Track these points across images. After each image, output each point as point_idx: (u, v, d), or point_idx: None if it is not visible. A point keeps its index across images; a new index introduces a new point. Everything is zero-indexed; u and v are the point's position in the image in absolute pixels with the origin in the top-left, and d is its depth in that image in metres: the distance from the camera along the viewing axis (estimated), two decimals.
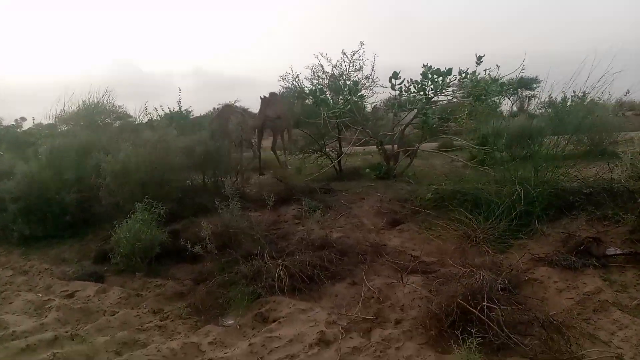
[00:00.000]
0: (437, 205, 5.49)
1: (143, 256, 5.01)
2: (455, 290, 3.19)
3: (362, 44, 8.39)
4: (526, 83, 23.81)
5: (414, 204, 5.68)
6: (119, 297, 4.44)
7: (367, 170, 8.66)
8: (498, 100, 7.68)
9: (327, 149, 8.73)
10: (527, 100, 26.47)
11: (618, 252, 3.80)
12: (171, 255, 5.37)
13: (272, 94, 9.22)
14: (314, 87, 7.90)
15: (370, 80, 8.58)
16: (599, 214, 4.38)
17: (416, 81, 7.64)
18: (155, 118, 10.62)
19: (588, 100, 7.56)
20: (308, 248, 4.86)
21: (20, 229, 6.58)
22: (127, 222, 5.18)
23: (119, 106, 16.19)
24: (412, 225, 5.31)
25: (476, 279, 3.26)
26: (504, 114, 13.48)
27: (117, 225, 5.33)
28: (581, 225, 4.25)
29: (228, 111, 8.57)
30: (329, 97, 7.47)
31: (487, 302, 3.03)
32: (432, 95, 7.73)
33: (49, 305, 4.25)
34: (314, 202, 6.24)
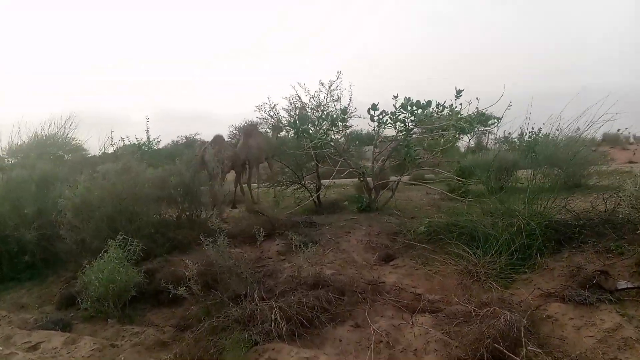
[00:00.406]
0: (431, 239, 5.30)
1: (117, 300, 4.53)
2: (479, 331, 2.94)
3: (339, 73, 8.34)
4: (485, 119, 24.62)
5: (407, 237, 5.46)
6: (91, 349, 3.92)
7: (346, 203, 8.47)
8: (456, 134, 7.69)
9: (305, 182, 8.47)
10: (485, 135, 27.43)
11: (629, 285, 3.69)
12: (146, 298, 4.89)
13: (251, 125, 9.03)
14: (293, 118, 7.69)
15: (348, 112, 8.49)
16: (601, 247, 4.30)
17: (393, 112, 7.60)
18: (119, 148, 10.07)
19: (560, 136, 7.72)
20: (299, 287, 4.53)
21: None
22: (97, 261, 4.70)
23: (72, 138, 15.48)
24: (407, 260, 5.08)
25: (501, 319, 3.03)
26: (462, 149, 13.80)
27: (84, 266, 4.85)
28: (588, 258, 4.13)
29: (219, 140, 8.33)
30: (310, 127, 7.25)
31: (516, 345, 2.80)
32: (412, 127, 7.71)
33: None
34: (299, 237, 5.95)
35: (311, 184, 8.53)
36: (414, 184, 8.75)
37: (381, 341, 3.52)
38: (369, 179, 7.74)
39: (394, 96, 7.64)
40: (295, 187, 8.53)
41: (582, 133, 6.09)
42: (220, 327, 3.89)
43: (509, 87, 7.07)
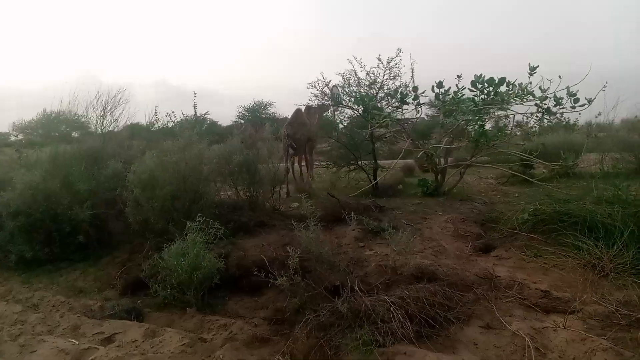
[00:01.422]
0: (534, 229, 4.76)
1: (198, 287, 4.06)
2: None
3: (399, 50, 7.79)
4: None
5: (507, 225, 4.92)
6: (180, 344, 3.46)
7: (400, 186, 7.97)
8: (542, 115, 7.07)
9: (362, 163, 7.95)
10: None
11: None
12: (223, 285, 4.42)
13: (307, 107, 8.59)
14: (364, 93, 7.11)
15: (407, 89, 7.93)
16: None
17: (455, 92, 7.03)
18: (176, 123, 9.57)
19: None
20: (397, 279, 4.06)
21: (19, 251, 5.46)
22: (172, 244, 4.22)
23: (81, 116, 15.10)
24: (511, 251, 4.56)
25: None
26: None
27: (155, 248, 4.39)
28: None
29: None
30: (379, 105, 6.69)
31: None
32: (483, 106, 7.13)
33: (92, 358, 3.26)
34: (374, 222, 5.47)
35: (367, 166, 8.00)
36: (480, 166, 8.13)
37: (528, 346, 3.02)
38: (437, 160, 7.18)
39: (458, 76, 7.11)
40: (350, 169, 8.02)
41: None
42: (327, 324, 3.42)
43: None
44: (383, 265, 4.46)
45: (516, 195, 7.10)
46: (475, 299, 3.67)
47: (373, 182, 7.26)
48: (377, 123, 6.53)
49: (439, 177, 7.17)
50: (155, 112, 10.93)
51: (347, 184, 8.15)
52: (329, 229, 5.64)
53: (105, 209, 5.86)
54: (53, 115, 26.81)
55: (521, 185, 7.95)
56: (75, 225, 5.54)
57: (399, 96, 6.76)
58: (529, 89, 6.75)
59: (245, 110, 19.29)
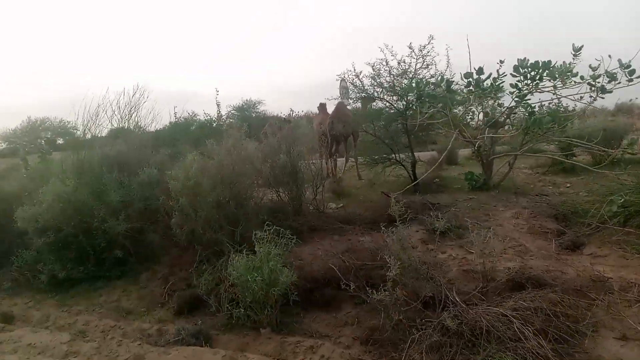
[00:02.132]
0: (627, 222, 4.37)
1: (273, 305, 3.61)
2: None
3: (431, 37, 7.38)
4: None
5: (599, 219, 4.51)
6: None
7: (437, 180, 7.57)
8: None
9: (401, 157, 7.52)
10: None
11: None
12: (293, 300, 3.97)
13: (339, 103, 8.23)
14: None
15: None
16: None
17: (494, 78, 6.61)
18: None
19: None
20: (492, 286, 3.65)
21: (50, 270, 4.96)
22: (237, 257, 3.76)
23: (67, 122, 14.94)
24: (607, 248, 4.16)
25: None
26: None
27: (201, 261, 4.00)
28: None
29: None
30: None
31: None
32: (527, 92, 6.72)
33: None
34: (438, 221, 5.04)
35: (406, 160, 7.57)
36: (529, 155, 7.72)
37: None
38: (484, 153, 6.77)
39: (500, 61, 6.68)
40: (387, 165, 7.58)
41: None
42: (440, 343, 2.99)
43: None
44: (468, 270, 4.04)
45: (568, 185, 6.73)
46: (589, 305, 3.26)
47: (416, 180, 6.81)
48: (427, 112, 6.09)
49: (487, 169, 6.75)
50: (174, 112, 10.55)
51: (383, 180, 7.73)
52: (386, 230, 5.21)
53: (141, 219, 5.37)
54: (38, 122, 26.23)
55: (566, 174, 7.60)
56: (111, 239, 5.06)
57: (445, 84, 6.31)
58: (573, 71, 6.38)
59: (234, 110, 18.69)
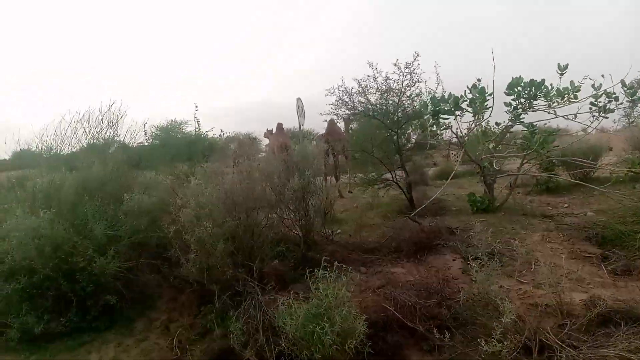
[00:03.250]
0: None
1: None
2: None
3: (416, 54, 7.21)
4: None
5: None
6: None
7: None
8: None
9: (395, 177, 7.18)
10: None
11: None
12: None
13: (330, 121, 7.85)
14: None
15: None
16: None
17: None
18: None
19: None
20: (575, 322, 3.32)
21: (23, 324, 3.99)
22: (287, 298, 3.15)
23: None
24: None
25: None
26: None
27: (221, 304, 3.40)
28: None
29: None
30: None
31: None
32: (520, 111, 6.68)
33: None
34: (469, 248, 4.70)
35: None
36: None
37: None
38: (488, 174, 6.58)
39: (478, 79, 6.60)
40: (382, 186, 7.21)
41: None
42: None
43: None
44: (534, 304, 3.69)
45: (566, 205, 6.70)
46: None
47: (412, 200, 6.48)
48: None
49: (490, 190, 6.57)
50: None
51: (377, 201, 7.35)
52: (418, 259, 4.79)
53: (132, 257, 4.54)
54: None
55: (549, 194, 7.69)
56: (99, 282, 4.19)
57: (452, 102, 6.06)
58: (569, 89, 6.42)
59: (158, 130, 17.21)
